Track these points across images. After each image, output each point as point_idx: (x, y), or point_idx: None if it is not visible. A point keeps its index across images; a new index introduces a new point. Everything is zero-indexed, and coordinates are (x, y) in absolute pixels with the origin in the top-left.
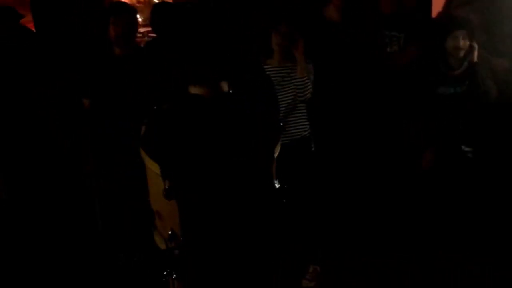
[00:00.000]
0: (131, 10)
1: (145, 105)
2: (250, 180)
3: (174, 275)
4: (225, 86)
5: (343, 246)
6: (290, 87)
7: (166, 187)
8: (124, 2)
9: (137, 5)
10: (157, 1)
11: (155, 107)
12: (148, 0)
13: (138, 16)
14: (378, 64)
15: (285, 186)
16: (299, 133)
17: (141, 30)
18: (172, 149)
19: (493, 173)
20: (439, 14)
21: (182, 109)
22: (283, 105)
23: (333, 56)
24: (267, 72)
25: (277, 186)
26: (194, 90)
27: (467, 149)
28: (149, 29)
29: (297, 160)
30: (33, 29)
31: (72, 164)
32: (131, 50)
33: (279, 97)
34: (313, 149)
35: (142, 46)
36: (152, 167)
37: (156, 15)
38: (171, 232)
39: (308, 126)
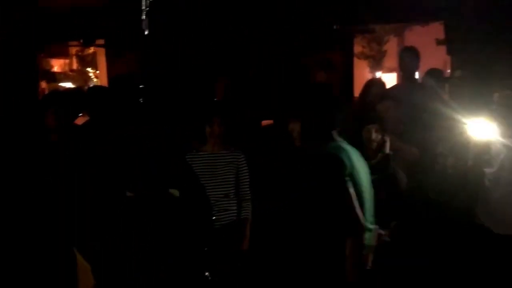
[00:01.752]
0: (74, 99)
1: (80, 199)
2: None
3: None
4: (159, 187)
5: None
6: (224, 174)
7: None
8: (66, 91)
9: (70, 73)
10: (90, 70)
11: (90, 203)
12: (80, 69)
13: (70, 83)
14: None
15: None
16: (229, 219)
17: None
18: (104, 249)
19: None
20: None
21: (116, 210)
22: (216, 193)
23: None
24: (201, 159)
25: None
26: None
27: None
28: None
29: (226, 246)
30: None
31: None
32: (68, 135)
33: (211, 184)
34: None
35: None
36: (84, 262)
37: (90, 99)
38: None
39: (237, 212)
